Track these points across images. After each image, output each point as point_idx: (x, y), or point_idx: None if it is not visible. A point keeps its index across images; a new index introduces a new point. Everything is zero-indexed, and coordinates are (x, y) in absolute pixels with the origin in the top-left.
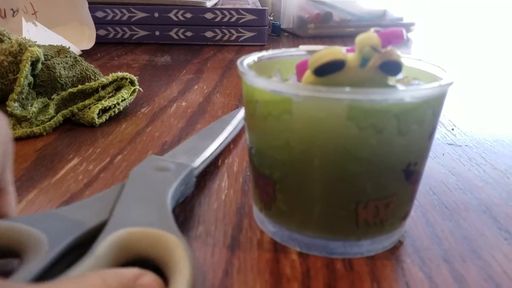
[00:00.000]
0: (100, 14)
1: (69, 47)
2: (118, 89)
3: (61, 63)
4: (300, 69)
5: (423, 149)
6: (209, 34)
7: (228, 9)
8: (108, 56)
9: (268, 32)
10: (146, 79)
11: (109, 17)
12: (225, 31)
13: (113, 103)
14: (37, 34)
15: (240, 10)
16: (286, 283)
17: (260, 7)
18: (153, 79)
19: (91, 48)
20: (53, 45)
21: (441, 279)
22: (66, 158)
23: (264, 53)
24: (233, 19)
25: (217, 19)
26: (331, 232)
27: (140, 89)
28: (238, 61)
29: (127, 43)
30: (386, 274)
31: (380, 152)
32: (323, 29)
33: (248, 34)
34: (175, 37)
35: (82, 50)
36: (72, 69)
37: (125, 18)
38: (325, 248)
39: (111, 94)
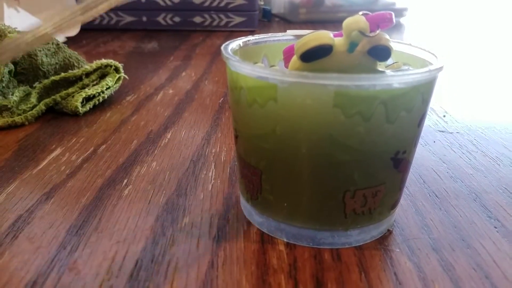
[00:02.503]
0: None
1: None
2: (102, 76)
3: (43, 50)
4: (288, 54)
5: (412, 136)
6: (197, 19)
7: None
8: (93, 43)
9: (258, 17)
10: (133, 66)
11: None
12: (214, 16)
13: (97, 91)
14: (20, 20)
15: None
16: (272, 274)
17: None
18: (139, 66)
19: (76, 35)
20: None
21: (429, 268)
22: (48, 149)
23: (250, 38)
24: (222, 4)
25: (206, 4)
26: (318, 222)
27: (126, 76)
28: (223, 46)
29: (113, 29)
30: (374, 264)
31: (368, 140)
32: (314, 14)
33: (238, 19)
34: (163, 22)
35: (67, 37)
36: (54, 56)
37: None
38: (312, 239)
39: (95, 82)
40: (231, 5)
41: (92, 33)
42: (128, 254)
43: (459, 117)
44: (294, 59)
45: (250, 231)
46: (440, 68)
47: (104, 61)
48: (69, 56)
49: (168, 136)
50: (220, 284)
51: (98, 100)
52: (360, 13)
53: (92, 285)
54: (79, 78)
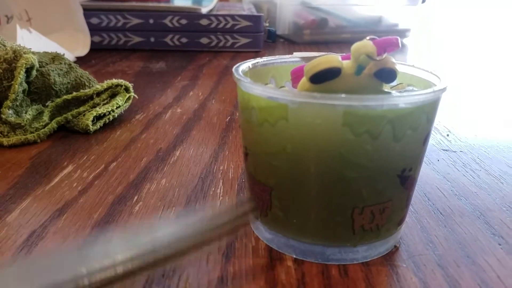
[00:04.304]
0: (95, 20)
1: (63, 54)
2: (113, 96)
3: (56, 70)
4: (295, 75)
5: (418, 154)
6: (204, 40)
7: (223, 16)
8: (102, 63)
9: (263, 38)
10: (141, 85)
11: (103, 24)
12: (221, 37)
13: (107, 110)
14: (32, 41)
15: (236, 17)
16: None
17: (255, 14)
18: (148, 85)
19: (85, 55)
20: (47, 52)
21: (435, 284)
22: (60, 166)
23: (258, 60)
24: (228, 26)
25: (213, 26)
26: (327, 238)
27: (135, 96)
28: (234, 68)
29: (122, 49)
30: (381, 280)
31: (376, 157)
32: (318, 35)
33: (244, 41)
34: (170, 43)
35: (76, 57)
36: (66, 76)
37: (120, 24)
38: (321, 255)
39: (105, 101)
40: (237, 27)
41: (101, 53)
42: None
43: (462, 136)
44: (304, 80)
45: (259, 247)
46: (444, 89)
47: (114, 80)
48: (80, 76)
49: (177, 154)
50: None
51: (109, 118)
52: (368, 38)
53: None
54: (90, 97)
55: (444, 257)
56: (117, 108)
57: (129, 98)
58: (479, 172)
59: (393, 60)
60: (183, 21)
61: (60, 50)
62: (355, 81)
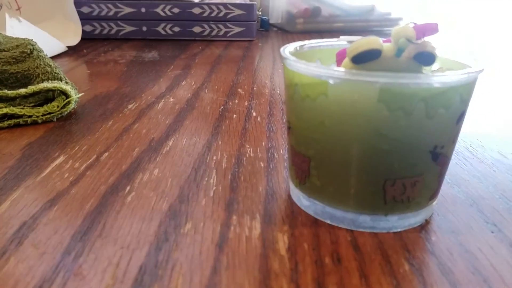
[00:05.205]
0: (86, 9)
1: (35, 43)
2: (50, 100)
3: (4, 57)
4: (340, 57)
5: (450, 133)
6: (197, 29)
7: (216, 4)
8: (94, 52)
9: (256, 27)
10: (133, 75)
11: (95, 12)
12: (213, 26)
13: (25, 113)
14: (22, 30)
15: (228, 5)
16: (274, 279)
17: (248, 2)
18: (140, 75)
19: (77, 44)
20: (18, 38)
21: (428, 272)
22: (51, 156)
23: (305, 42)
24: (221, 14)
25: (205, 14)
26: (360, 206)
27: (77, 98)
28: (281, 48)
29: (114, 38)
30: (374, 268)
31: (408, 133)
32: (312, 24)
33: (237, 29)
34: (163, 32)
35: (68, 46)
36: (17, 64)
37: (111, 13)
38: (354, 222)
39: (33, 104)
40: (230, 15)
41: (92, 42)
42: (132, 259)
43: None
44: (346, 61)
45: (252, 237)
46: (479, 71)
47: (49, 85)
48: (35, 67)
49: (170, 144)
50: None
51: (26, 122)
52: (408, 22)
53: None
54: (11, 99)
55: (437, 245)
56: (45, 115)
57: (69, 102)
58: (471, 160)
59: (433, 44)
60: (176, 10)
61: (51, 39)
62: (395, 63)
